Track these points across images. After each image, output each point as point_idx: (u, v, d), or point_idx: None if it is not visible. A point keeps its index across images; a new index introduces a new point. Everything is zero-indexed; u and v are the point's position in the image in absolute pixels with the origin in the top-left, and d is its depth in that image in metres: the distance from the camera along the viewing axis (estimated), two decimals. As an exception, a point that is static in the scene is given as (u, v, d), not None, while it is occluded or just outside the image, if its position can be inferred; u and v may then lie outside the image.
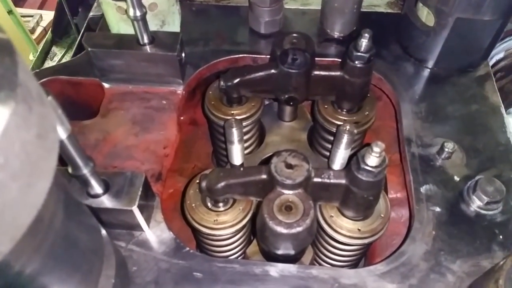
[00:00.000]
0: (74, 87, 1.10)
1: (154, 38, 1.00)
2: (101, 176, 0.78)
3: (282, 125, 1.20)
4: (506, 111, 1.02)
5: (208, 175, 0.83)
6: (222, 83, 0.99)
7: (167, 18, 1.10)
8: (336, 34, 1.14)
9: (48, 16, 5.70)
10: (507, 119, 0.99)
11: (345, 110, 1.01)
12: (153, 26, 1.06)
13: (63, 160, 0.67)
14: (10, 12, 4.15)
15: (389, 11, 1.23)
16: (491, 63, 1.25)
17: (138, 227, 0.82)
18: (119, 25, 1.07)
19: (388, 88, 1.07)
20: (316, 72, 0.95)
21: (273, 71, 0.95)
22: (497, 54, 1.29)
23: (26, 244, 0.41)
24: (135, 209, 0.77)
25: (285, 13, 1.20)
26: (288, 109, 1.16)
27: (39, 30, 5.59)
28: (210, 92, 1.06)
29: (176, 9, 1.13)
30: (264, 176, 0.78)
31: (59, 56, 4.59)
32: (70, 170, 0.69)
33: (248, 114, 1.03)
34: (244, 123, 1.02)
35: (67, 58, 4.14)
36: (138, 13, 0.92)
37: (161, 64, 1.02)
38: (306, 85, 0.96)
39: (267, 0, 1.08)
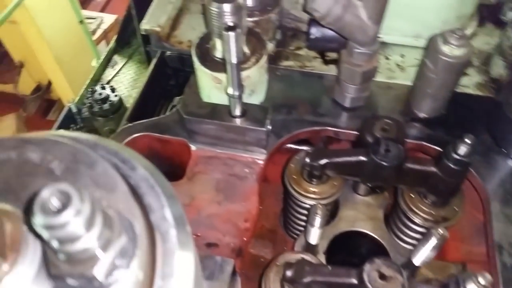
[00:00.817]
0: (162, 144, 1.14)
1: (246, 111, 1.03)
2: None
3: (356, 199, 1.19)
4: None
5: (293, 265, 0.84)
6: (308, 160, 1.00)
7: (257, 87, 1.12)
8: (422, 115, 1.13)
9: (108, 19, 5.93)
10: None
11: (431, 202, 0.99)
12: (243, 96, 1.08)
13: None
14: (81, 22, 4.37)
15: (478, 93, 1.21)
16: None
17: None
18: (212, 91, 1.10)
19: (476, 181, 1.04)
20: (409, 165, 0.94)
21: (363, 158, 0.95)
22: None
23: None
24: (224, 300, 0.79)
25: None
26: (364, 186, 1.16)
27: (99, 32, 5.84)
28: (292, 165, 1.07)
29: (265, 78, 1.15)
30: (354, 281, 0.78)
31: (120, 65, 4.75)
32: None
33: (329, 194, 1.03)
34: (323, 202, 1.03)
35: (127, 67, 4.29)
36: (236, 93, 0.94)
37: (250, 135, 1.04)
38: (396, 176, 0.95)
39: (357, 79, 1.08)
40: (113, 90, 3.41)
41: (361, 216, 1.15)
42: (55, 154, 0.38)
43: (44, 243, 0.31)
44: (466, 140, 0.85)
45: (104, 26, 5.69)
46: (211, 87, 1.10)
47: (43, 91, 5.92)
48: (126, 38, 4.90)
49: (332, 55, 1.31)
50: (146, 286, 0.35)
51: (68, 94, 4.90)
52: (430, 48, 1.00)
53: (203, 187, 1.04)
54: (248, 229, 0.99)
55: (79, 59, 4.60)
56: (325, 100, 1.20)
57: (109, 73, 4.00)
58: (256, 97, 1.14)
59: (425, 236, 0.84)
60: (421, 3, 1.26)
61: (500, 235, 0.94)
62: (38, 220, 0.28)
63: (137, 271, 0.33)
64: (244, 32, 1.05)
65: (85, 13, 5.72)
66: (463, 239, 1.11)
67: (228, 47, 0.85)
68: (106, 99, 3.18)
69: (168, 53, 1.61)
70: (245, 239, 0.97)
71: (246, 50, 1.09)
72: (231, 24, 0.84)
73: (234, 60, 0.88)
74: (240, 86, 0.96)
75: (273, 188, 1.32)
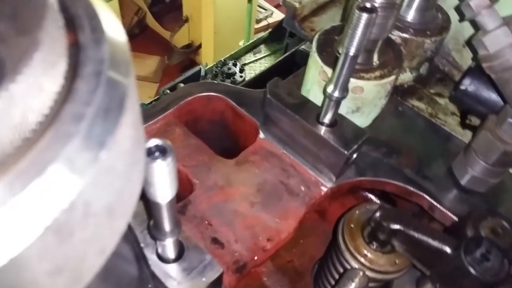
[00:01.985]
0: (234, 116, 0.99)
1: (337, 122, 0.83)
2: (183, 238, 0.64)
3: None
4: None
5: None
6: (377, 215, 0.76)
7: (365, 107, 0.91)
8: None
9: (277, 16, 6.11)
10: None
11: None
12: (343, 108, 0.88)
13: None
14: (250, 1, 4.52)
15: None
16: None
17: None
18: (313, 86, 0.92)
19: None
20: (504, 291, 0.66)
21: (447, 250, 0.68)
22: None
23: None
24: (188, 304, 0.60)
25: (505, 177, 0.91)
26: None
27: (263, 23, 6.04)
28: (357, 213, 0.84)
29: (381, 102, 0.93)
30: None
31: (262, 54, 4.82)
32: (151, 224, 0.56)
33: (382, 269, 0.78)
34: (371, 275, 0.78)
35: (266, 60, 4.30)
36: (337, 95, 0.75)
37: (326, 152, 0.83)
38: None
39: (493, 158, 0.81)
40: (241, 70, 3.42)
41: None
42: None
43: None
44: None
45: (270, 20, 5.85)
46: (315, 81, 0.91)
47: (191, 50, 6.32)
48: (280, 34, 4.96)
49: (475, 121, 1.04)
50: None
51: (209, 61, 5.27)
52: None
53: (246, 179, 0.87)
54: (266, 250, 0.78)
55: (232, 35, 4.79)
56: (439, 165, 0.94)
57: (248, 57, 4.06)
58: (359, 118, 0.93)
59: None
60: None
61: None
62: None
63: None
64: (383, 36, 0.85)
65: (262, 2, 5.95)
66: None
67: (351, 31, 0.66)
68: (231, 75, 3.21)
69: (303, 47, 1.47)
70: (256, 258, 0.77)
71: (375, 58, 0.89)
72: (368, 5, 0.65)
73: (352, 50, 0.69)
74: (344, 89, 0.76)
75: (326, 229, 1.09)
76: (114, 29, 0.30)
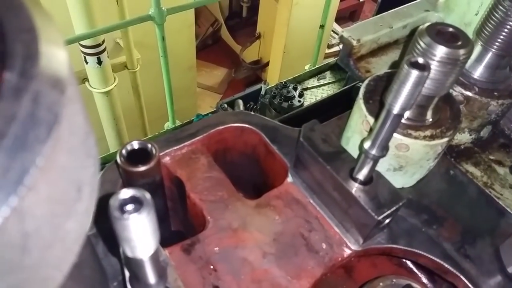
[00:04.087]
0: (265, 152, 0.93)
1: (372, 180, 0.74)
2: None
3: None
4: None
5: None
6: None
7: (409, 167, 0.82)
8: None
9: None
10: None
11: None
12: (384, 165, 0.80)
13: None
14: (322, 26, 4.48)
15: None
16: None
17: None
18: (354, 134, 0.84)
19: None
20: None
21: None
22: None
23: None
24: None
25: None
26: None
27: (334, 48, 5.99)
28: (381, 284, 0.75)
29: (428, 165, 0.83)
30: None
31: (325, 81, 4.74)
32: (127, 277, 0.51)
33: None
34: None
35: (329, 87, 4.22)
36: (374, 153, 0.67)
37: (356, 211, 0.75)
38: None
39: (551, 252, 0.69)
40: (300, 95, 3.37)
41: None
42: None
43: None
44: None
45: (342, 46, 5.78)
46: (357, 130, 0.83)
47: (259, 67, 6.40)
48: (347, 64, 4.80)
49: (538, 200, 0.91)
50: None
51: (274, 80, 5.26)
52: None
53: (264, 225, 0.80)
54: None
55: (301, 57, 4.76)
56: (485, 244, 0.82)
57: (312, 82, 4.00)
58: (401, 177, 0.84)
59: None
60: None
61: None
62: None
63: None
64: (442, 92, 0.76)
65: (335, 26, 5.89)
66: None
67: (398, 86, 0.59)
68: (290, 98, 3.16)
69: (359, 84, 1.39)
70: (256, 318, 0.70)
71: (428, 115, 0.80)
72: (421, 61, 0.57)
73: (396, 108, 0.61)
74: (384, 148, 0.68)
75: (353, 286, 1.00)
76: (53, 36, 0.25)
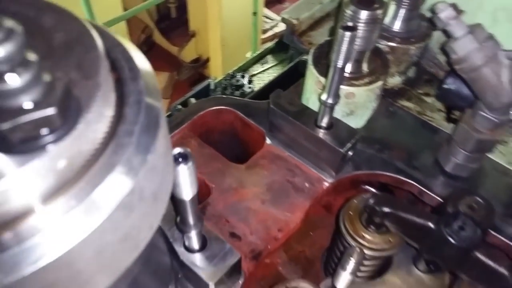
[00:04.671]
0: (243, 126, 1.12)
1: (333, 125, 0.95)
2: (204, 231, 0.77)
3: (412, 272, 1.02)
4: None
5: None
6: (371, 202, 0.88)
7: (358, 110, 1.04)
8: (532, 219, 0.92)
9: (283, 25, 6.18)
10: None
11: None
12: (339, 112, 1.01)
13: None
14: (254, 13, 4.63)
15: None
16: None
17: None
18: (311, 95, 1.05)
19: None
20: (479, 256, 0.77)
21: (430, 225, 0.80)
22: None
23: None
24: (212, 285, 0.73)
25: (484, 162, 1.02)
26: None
27: (269, 33, 6.13)
28: (355, 202, 0.96)
29: (371, 105, 1.06)
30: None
31: (269, 65, 4.90)
32: (178, 220, 0.69)
33: (378, 247, 0.90)
34: (368, 253, 0.90)
35: (274, 69, 4.39)
36: (330, 101, 0.88)
37: (325, 151, 0.96)
38: (459, 261, 0.79)
39: (470, 146, 0.93)
40: (250, 81, 3.56)
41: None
42: (66, 27, 0.37)
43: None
44: None
45: (277, 30, 5.93)
46: (313, 90, 1.04)
47: (200, 64, 6.40)
48: (285, 45, 5.02)
49: (459, 115, 1.16)
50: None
51: (218, 74, 5.38)
52: None
53: (257, 180, 0.99)
54: (278, 239, 0.91)
55: (239, 47, 4.89)
56: (427, 156, 1.06)
57: (256, 68, 4.18)
58: (353, 120, 1.06)
59: None
60: None
61: None
62: None
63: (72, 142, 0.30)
64: (369, 47, 0.97)
65: (266, 12, 6.02)
66: None
67: (337, 47, 0.79)
68: (240, 87, 3.33)
69: (304, 58, 1.60)
70: (269, 247, 0.90)
71: (364, 67, 1.02)
72: (350, 24, 0.78)
73: (339, 63, 0.81)
74: (336, 96, 0.89)
75: (333, 221, 1.21)
76: (144, 65, 0.43)
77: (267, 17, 5.99)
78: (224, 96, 1.13)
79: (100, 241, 0.36)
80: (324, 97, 0.89)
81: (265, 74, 4.26)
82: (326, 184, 1.00)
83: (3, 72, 0.27)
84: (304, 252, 1.18)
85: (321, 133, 0.95)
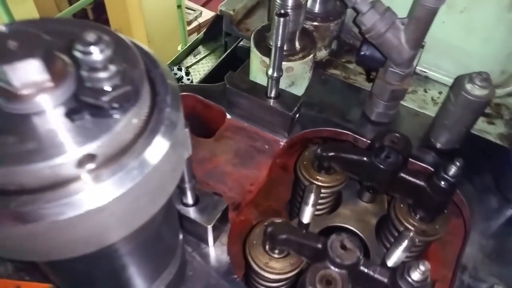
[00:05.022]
0: (204, 107, 1.32)
1: (280, 95, 1.18)
2: (196, 190, 0.96)
3: (358, 203, 1.29)
4: None
5: (275, 224, 0.97)
6: (319, 151, 1.13)
7: (297, 81, 1.27)
8: (438, 145, 1.21)
9: (206, 14, 6.24)
10: None
11: (418, 216, 1.08)
12: (282, 84, 1.23)
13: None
14: (179, 6, 4.70)
15: (497, 142, 1.27)
16: None
17: (206, 241, 0.99)
18: (258, 73, 1.26)
19: (467, 213, 1.11)
20: (403, 175, 1.04)
21: (365, 159, 1.06)
22: None
23: (133, 233, 0.58)
24: (210, 228, 0.94)
25: (400, 108, 1.30)
26: (368, 193, 1.26)
27: (194, 24, 6.19)
28: (306, 153, 1.20)
29: (307, 75, 1.30)
30: (319, 246, 0.89)
31: (202, 55, 5.04)
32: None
33: (330, 184, 1.15)
34: (323, 190, 1.14)
35: (207, 59, 4.55)
36: (275, 75, 1.10)
37: (277, 117, 1.18)
38: (389, 182, 1.06)
39: (386, 96, 1.20)
40: (187, 73, 3.70)
41: (356, 217, 1.25)
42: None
43: (79, 71, 0.47)
44: (456, 163, 0.94)
45: (201, 20, 6.00)
46: (258, 69, 1.26)
47: None
48: (214, 33, 5.21)
49: (375, 74, 1.43)
50: (137, 129, 0.50)
51: None
52: (456, 84, 1.10)
53: (225, 149, 1.20)
54: (251, 192, 1.13)
55: (167, 41, 4.89)
56: (356, 111, 1.32)
57: (190, 60, 4.29)
58: (295, 89, 1.29)
59: (398, 239, 0.93)
60: (470, 49, 1.35)
61: (468, 258, 1.00)
62: (78, 47, 0.44)
63: (133, 114, 0.49)
64: (298, 28, 1.21)
65: (187, 3, 6.06)
66: (438, 260, 1.17)
67: (276, 30, 1.01)
68: (179, 79, 3.47)
69: (241, 43, 1.81)
70: (246, 198, 1.11)
71: (297, 45, 1.25)
72: (282, 11, 1.00)
73: (278, 43, 1.03)
74: (279, 70, 1.11)
75: (290, 178, 1.45)
76: (173, 80, 0.61)
77: (189, 8, 6.05)
78: (181, 84, 1.31)
79: (148, 186, 0.54)
80: (270, 72, 1.11)
81: (199, 65, 4.40)
82: (282, 143, 1.22)
83: (104, 66, 0.45)
84: (271, 206, 1.41)
85: (272, 102, 1.17)
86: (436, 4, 0.99)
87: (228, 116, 1.27)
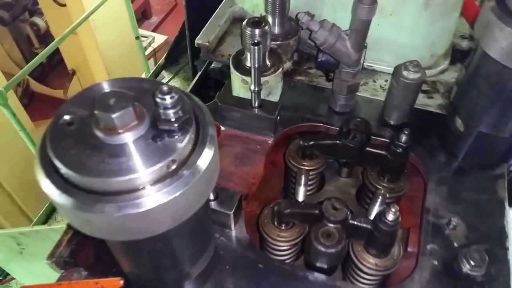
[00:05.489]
0: (200, 125, 1.59)
1: (262, 104, 1.47)
2: (215, 188, 1.24)
3: (339, 180, 1.59)
4: (509, 205, 1.33)
5: (280, 202, 1.26)
6: (301, 142, 1.42)
7: (273, 90, 1.57)
8: (391, 122, 1.53)
9: (159, 39, 6.41)
10: (508, 211, 1.31)
11: (386, 178, 1.39)
12: (262, 95, 1.53)
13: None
14: (137, 38, 4.88)
15: (437, 111, 1.61)
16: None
17: (229, 226, 1.26)
18: (240, 89, 1.55)
19: (423, 170, 1.43)
20: (368, 149, 1.35)
21: (338, 142, 1.36)
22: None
23: (184, 222, 0.85)
24: (231, 214, 1.21)
25: (357, 99, 1.62)
26: (345, 169, 1.56)
27: (149, 50, 6.33)
28: (291, 146, 1.50)
29: (280, 85, 1.60)
30: (316, 211, 1.18)
31: (166, 79, 5.27)
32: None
33: (314, 167, 1.44)
34: (310, 173, 1.44)
35: (172, 82, 4.74)
36: (256, 89, 1.39)
37: (263, 122, 1.48)
38: (359, 156, 1.36)
39: (344, 91, 1.51)
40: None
41: (339, 191, 1.56)
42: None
43: (156, 111, 0.74)
44: (405, 132, 1.25)
45: (155, 45, 6.16)
46: (240, 86, 1.55)
47: None
48: (175, 57, 5.48)
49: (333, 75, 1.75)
50: (192, 142, 0.78)
51: None
52: (395, 72, 1.42)
53: (226, 154, 1.48)
54: (254, 184, 1.41)
55: (127, 72, 4.99)
56: (323, 106, 1.63)
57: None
58: (272, 97, 1.59)
59: (374, 198, 1.23)
60: (403, 42, 1.69)
61: (429, 203, 1.32)
62: (158, 95, 0.71)
63: (189, 135, 0.76)
64: (267, 50, 1.50)
65: (139, 31, 6.08)
66: (408, 212, 1.48)
67: (253, 56, 1.30)
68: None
69: (212, 65, 2.09)
70: (250, 189, 1.39)
71: (268, 62, 1.55)
72: (256, 41, 1.30)
73: (256, 65, 1.33)
74: (259, 85, 1.40)
75: (279, 171, 1.74)
76: (204, 106, 0.88)
77: (142, 36, 6.21)
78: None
79: (201, 185, 0.81)
80: (252, 87, 1.40)
81: (167, 90, 4.62)
82: (270, 142, 1.51)
83: (173, 106, 0.73)
84: (269, 196, 1.69)
85: (257, 111, 1.46)
86: (369, 17, 1.31)
87: (223, 128, 1.55)
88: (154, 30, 7.16)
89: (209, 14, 1.95)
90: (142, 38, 5.47)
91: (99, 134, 0.73)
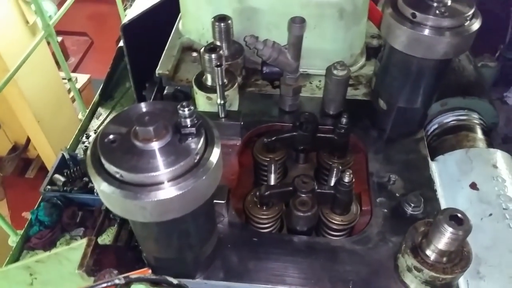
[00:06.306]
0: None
1: (228, 114, 1.78)
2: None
3: (298, 167, 1.93)
4: (431, 159, 1.75)
5: (260, 188, 1.56)
6: (265, 139, 1.74)
7: (233, 101, 1.88)
8: (331, 112, 1.91)
9: (81, 78, 6.32)
10: (430, 164, 1.72)
11: (336, 156, 1.75)
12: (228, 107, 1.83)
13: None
14: (69, 79, 4.86)
15: (364, 98, 2.01)
16: (430, 130, 2.00)
17: (222, 215, 1.54)
18: (205, 106, 1.85)
19: (362, 145, 1.81)
20: (318, 135, 1.70)
21: (295, 133, 1.71)
22: (434, 125, 2.03)
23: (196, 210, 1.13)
24: (224, 203, 1.50)
25: (301, 98, 1.97)
26: (302, 156, 1.91)
27: (78, 85, 6.09)
28: (257, 144, 1.81)
29: (237, 97, 1.91)
30: (290, 188, 1.51)
31: (104, 116, 5.31)
32: (199, 179, 1.44)
33: (279, 158, 1.77)
34: (277, 163, 1.76)
35: (110, 117, 4.76)
36: (222, 102, 1.70)
37: (230, 129, 1.78)
38: (312, 141, 1.71)
39: (290, 93, 1.86)
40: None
41: (300, 174, 1.89)
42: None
43: (177, 122, 1.03)
44: (344, 115, 1.62)
45: (78, 85, 6.01)
46: (206, 103, 1.85)
47: (20, 150, 5.84)
48: (109, 92, 5.52)
49: (277, 83, 2.10)
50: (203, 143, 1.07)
51: (47, 150, 5.02)
52: (327, 72, 1.80)
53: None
54: (234, 179, 1.71)
55: (57, 116, 4.88)
56: (275, 108, 1.97)
57: (95, 123, 4.47)
58: (233, 107, 1.90)
59: (330, 172, 1.58)
60: (327, 48, 2.08)
61: (372, 168, 1.70)
62: (180, 108, 1.00)
63: (203, 137, 1.06)
64: (223, 69, 1.82)
65: (60, 73, 5.82)
66: (358, 181, 1.85)
67: (217, 75, 1.61)
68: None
69: (165, 92, 2.36)
70: (231, 184, 1.69)
71: (225, 80, 1.86)
72: (218, 63, 1.61)
73: (220, 82, 1.63)
74: (224, 98, 1.71)
75: (246, 169, 2.04)
76: (207, 116, 1.17)
77: (63, 78, 6.05)
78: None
79: (215, 171, 1.10)
80: (219, 101, 1.70)
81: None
82: (238, 144, 1.82)
83: (190, 115, 1.02)
84: (243, 191, 1.99)
85: (224, 120, 1.76)
86: (301, 33, 1.68)
87: (197, 140, 1.83)
88: (74, 71, 6.98)
89: (145, 41, 2.21)
90: (64, 81, 5.01)
91: (138, 144, 1.01)
